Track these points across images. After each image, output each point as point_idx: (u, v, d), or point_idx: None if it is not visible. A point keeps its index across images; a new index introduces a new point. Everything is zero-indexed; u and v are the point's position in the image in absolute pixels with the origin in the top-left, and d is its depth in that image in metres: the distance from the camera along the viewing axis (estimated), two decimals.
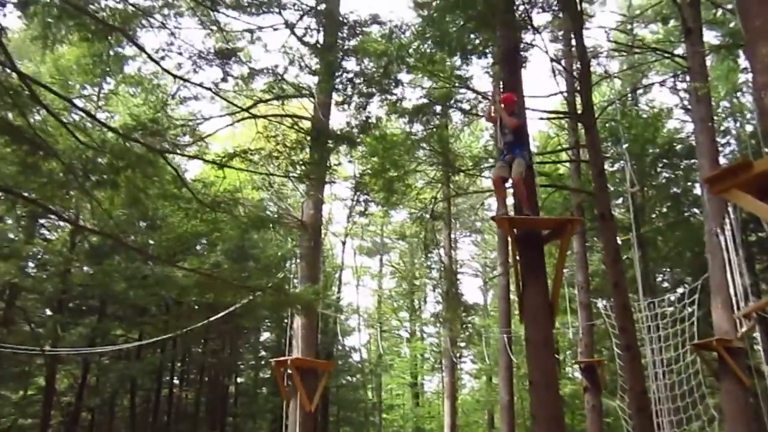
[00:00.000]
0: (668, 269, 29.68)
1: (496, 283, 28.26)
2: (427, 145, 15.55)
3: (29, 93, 11.70)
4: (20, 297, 23.91)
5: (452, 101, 15.22)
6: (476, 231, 40.73)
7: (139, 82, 19.49)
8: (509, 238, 9.24)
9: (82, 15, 12.85)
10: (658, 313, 16.22)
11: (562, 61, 19.40)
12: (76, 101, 19.28)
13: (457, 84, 14.61)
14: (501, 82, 10.88)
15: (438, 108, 15.58)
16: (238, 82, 14.40)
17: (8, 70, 11.30)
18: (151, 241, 23.82)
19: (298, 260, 16.79)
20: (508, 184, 9.19)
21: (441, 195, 18.20)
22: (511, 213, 9.18)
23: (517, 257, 9.15)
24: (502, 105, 9.16)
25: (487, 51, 14.35)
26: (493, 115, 9.47)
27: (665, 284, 29.39)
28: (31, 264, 24.74)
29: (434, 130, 15.55)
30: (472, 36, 13.83)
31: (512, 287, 19.70)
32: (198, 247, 25.08)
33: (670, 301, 17.38)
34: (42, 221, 24.81)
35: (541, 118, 17.13)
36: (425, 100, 15.02)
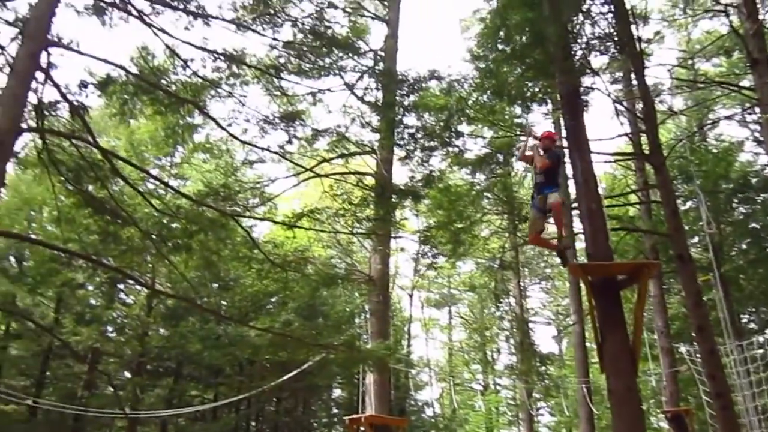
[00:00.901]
0: (753, 309, 28.09)
1: (570, 331, 27.40)
2: (492, 195, 15.49)
3: (110, 166, 12.42)
4: (102, 361, 24.72)
5: (514, 149, 15.18)
6: (546, 278, 39.82)
7: (208, 149, 20.36)
8: (583, 285, 9.00)
9: (155, 90, 13.64)
10: (747, 356, 15.30)
11: (624, 102, 19.13)
12: (151, 171, 20.21)
13: (518, 132, 14.59)
14: (562, 126, 10.82)
15: (500, 157, 15.57)
16: (302, 144, 14.85)
17: (91, 146, 12.05)
18: (224, 302, 24.36)
19: (368, 316, 16.79)
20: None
21: (509, 244, 17.98)
22: (582, 260, 8.99)
23: (593, 304, 8.88)
24: (538, 142, 8.76)
25: (546, 98, 14.36)
26: (527, 153, 8.90)
27: (752, 325, 27.77)
28: (111, 328, 25.64)
29: (498, 179, 15.50)
30: (530, 84, 13.89)
31: (588, 334, 19.05)
32: (268, 306, 25.46)
33: (759, 342, 16.38)
34: (120, 286, 25.79)
35: (608, 161, 16.79)
36: (487, 150, 15.04)
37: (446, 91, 13.91)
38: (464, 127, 14.23)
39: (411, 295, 34.77)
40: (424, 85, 13.93)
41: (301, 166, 14.90)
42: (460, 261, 25.23)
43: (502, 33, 13.85)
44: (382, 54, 16.52)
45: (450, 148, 13.88)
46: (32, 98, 10.55)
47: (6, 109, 8.78)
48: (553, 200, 8.32)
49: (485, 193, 14.94)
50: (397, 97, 14.38)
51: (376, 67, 15.70)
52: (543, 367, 27.19)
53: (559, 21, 12.33)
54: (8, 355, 23.16)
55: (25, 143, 13.37)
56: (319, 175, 15.10)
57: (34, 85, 10.32)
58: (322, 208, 13.07)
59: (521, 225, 18.53)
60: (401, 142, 14.65)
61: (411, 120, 14.14)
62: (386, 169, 15.42)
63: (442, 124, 13.25)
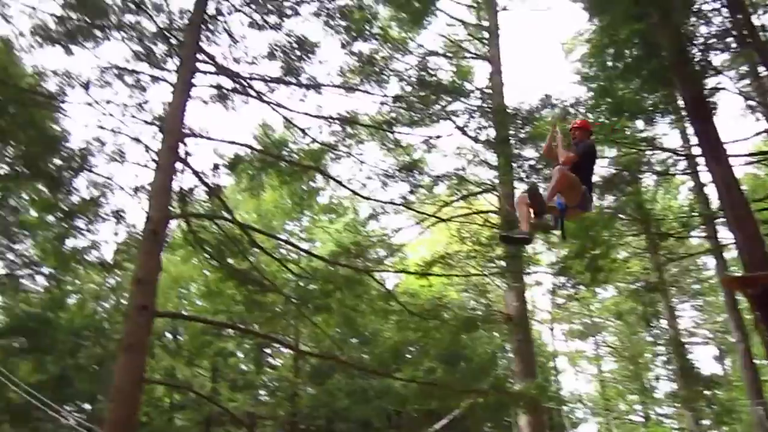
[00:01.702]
0: None
1: (734, 350, 25.19)
2: (624, 215, 14.81)
3: (249, 239, 13.19)
4: (258, 424, 25.70)
5: (642, 165, 14.51)
6: (696, 294, 37.05)
7: (333, 209, 21.10)
8: (743, 298, 8.31)
9: (279, 162, 14.43)
10: None
11: (756, 97, 17.81)
12: (282, 237, 21.16)
13: (643, 146, 13.96)
14: (693, 133, 10.20)
15: (627, 174, 14.91)
16: (423, 191, 15.03)
17: (230, 223, 12.87)
18: (366, 356, 24.70)
19: (512, 355, 16.37)
20: None
21: (652, 264, 17.04)
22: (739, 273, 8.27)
23: (758, 318, 8.16)
24: (574, 131, 6.79)
25: (668, 107, 13.70)
26: (554, 145, 6.75)
27: None
28: (263, 392, 26.69)
29: (628, 198, 14.82)
30: (648, 96, 13.34)
31: (756, 350, 17.42)
32: (409, 356, 25.53)
33: None
34: (267, 350, 26.89)
35: (748, 162, 15.59)
36: (613, 170, 14.48)
37: (561, 118, 13.62)
38: None
39: (552, 329, 33.60)
40: (537, 114, 13.74)
41: (425, 213, 15.04)
42: (601, 288, 24.14)
43: (610, 50, 13.48)
44: (490, 91, 16.53)
45: None
46: (175, 186, 11.50)
47: (156, 201, 9.66)
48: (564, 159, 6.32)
49: (618, 215, 14.28)
50: (511, 131, 14.26)
51: (485, 106, 15.70)
52: (709, 392, 25.11)
53: (671, 26, 11.85)
54: (174, 426, 24.65)
55: (172, 227, 14.40)
56: (443, 220, 15.17)
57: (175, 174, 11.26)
58: (452, 253, 13.07)
59: (662, 243, 17.54)
60: (521, 175, 14.44)
61: (528, 152, 13.94)
62: (510, 205, 15.21)
63: None
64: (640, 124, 13.96)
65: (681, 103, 13.28)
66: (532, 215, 6.31)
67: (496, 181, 15.58)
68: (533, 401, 12.44)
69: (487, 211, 15.69)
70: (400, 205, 14.78)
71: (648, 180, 16.44)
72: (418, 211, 14.81)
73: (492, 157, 15.26)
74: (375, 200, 14.94)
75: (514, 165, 14.39)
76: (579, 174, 6.19)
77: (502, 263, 13.61)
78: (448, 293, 16.26)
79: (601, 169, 14.32)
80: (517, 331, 15.31)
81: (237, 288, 15.84)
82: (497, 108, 14.68)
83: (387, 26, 15.36)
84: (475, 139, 15.25)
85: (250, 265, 14.08)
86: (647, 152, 14.65)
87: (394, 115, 14.47)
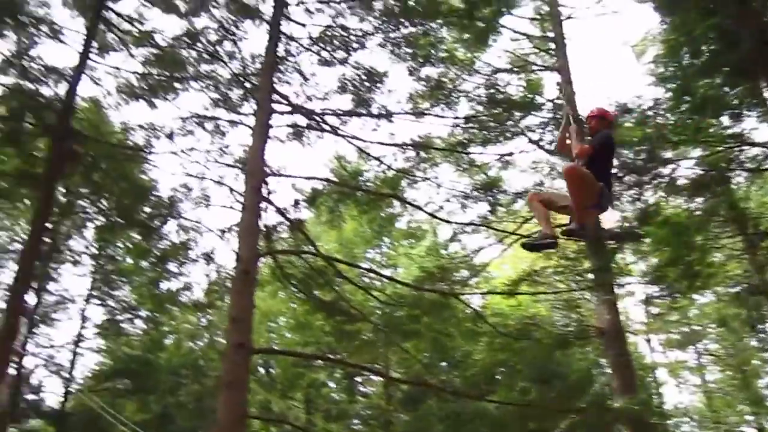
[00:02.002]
0: None
1: None
2: (717, 217, 14.12)
3: (334, 270, 13.40)
4: None
5: (732, 163, 13.83)
6: None
7: (412, 234, 21.16)
8: None
9: (356, 192, 14.65)
10: None
11: None
12: (364, 265, 21.35)
13: (731, 143, 13.33)
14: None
15: (716, 174, 14.25)
16: (502, 209, 14.85)
17: (314, 256, 13.14)
18: (457, 379, 24.40)
19: (609, 370, 15.78)
20: None
21: (752, 266, 16.11)
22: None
23: None
24: (591, 121, 6.01)
25: (754, 100, 13.06)
26: (568, 140, 6.07)
27: None
28: (356, 421, 26.76)
29: (720, 198, 14.14)
30: (731, 91, 12.79)
31: None
32: (501, 377, 25.03)
33: None
34: (358, 379, 27.01)
35: None
36: (700, 171, 13.88)
37: (639, 122, 13.23)
38: (669, 154, 13.31)
39: (648, 340, 32.20)
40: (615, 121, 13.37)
41: (506, 231, 14.84)
42: (698, 294, 23.01)
43: (686, 47, 13.04)
44: (562, 102, 16.24)
45: (660, 179, 13.02)
46: (260, 225, 11.87)
47: (245, 241, 10.00)
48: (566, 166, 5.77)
49: (711, 216, 13.65)
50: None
51: (559, 117, 15.44)
52: None
53: (752, 16, 11.37)
54: None
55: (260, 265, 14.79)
56: (525, 236, 14.91)
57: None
58: (538, 269, 12.83)
59: (761, 243, 16.57)
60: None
61: None
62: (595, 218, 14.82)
63: (644, 156, 12.54)
64: (725, 120, 13.35)
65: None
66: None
67: None
68: (637, 417, 11.92)
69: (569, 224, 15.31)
70: (479, 225, 14.66)
71: (739, 178, 15.66)
72: (498, 230, 14.64)
73: None
74: (454, 222, 14.88)
75: None
76: (595, 169, 5.40)
77: (592, 276, 13.21)
78: (538, 311, 15.91)
79: (688, 171, 13.75)
80: (611, 344, 14.78)
81: (325, 319, 16.13)
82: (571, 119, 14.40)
83: (452, 49, 15.40)
84: (551, 152, 15.00)
85: (337, 295, 14.29)
86: (736, 149, 13.96)
87: (467, 135, 14.45)
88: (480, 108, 14.63)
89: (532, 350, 14.34)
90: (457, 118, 14.38)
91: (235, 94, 14.71)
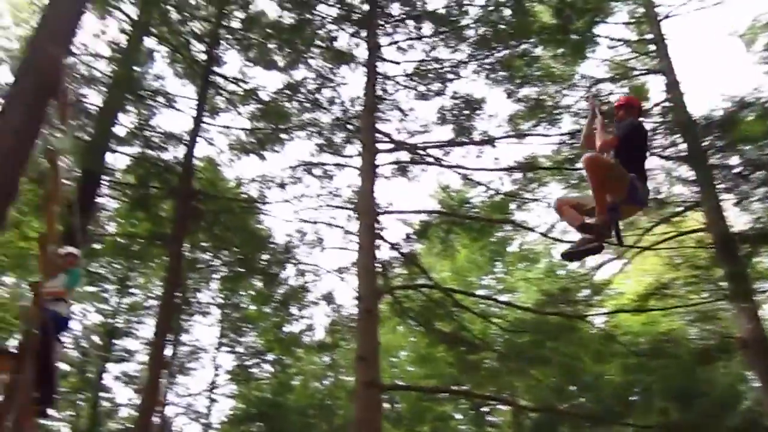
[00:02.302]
0: None
1: None
2: None
3: (452, 300, 13.35)
4: None
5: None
6: None
7: (526, 256, 20.73)
8: None
9: (465, 220, 14.60)
10: None
11: None
12: (480, 292, 21.10)
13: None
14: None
15: None
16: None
17: (431, 288, 13.16)
18: (589, 403, 23.39)
19: (758, 384, 14.58)
20: None
21: None
22: None
23: None
24: (618, 111, 5.38)
25: None
26: (594, 130, 5.31)
27: None
28: None
29: None
30: None
31: None
32: (636, 398, 23.74)
33: None
34: (485, 409, 26.46)
35: None
36: None
37: (761, 115, 12.40)
38: None
39: None
40: (733, 118, 12.61)
41: (626, 245, 14.21)
42: None
43: None
44: (670, 104, 15.53)
45: None
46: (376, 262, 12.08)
47: (364, 280, 10.20)
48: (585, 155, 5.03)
49: None
50: (706, 142, 13.21)
51: (669, 120, 14.76)
52: None
53: None
54: None
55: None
56: (646, 248, 14.23)
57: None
58: (667, 282, 12.16)
59: None
60: (728, 185, 13.22)
61: (732, 159, 12.78)
62: (719, 219, 13.94)
63: None
64: None
65: None
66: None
67: (698, 197, 14.40)
68: None
69: (695, 230, 14.47)
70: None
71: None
72: (619, 245, 14.06)
73: (689, 173, 14.18)
74: (569, 241, 14.43)
75: (717, 176, 13.23)
76: (624, 160, 4.90)
77: (726, 284, 12.35)
78: (671, 326, 15.02)
79: None
80: (757, 356, 13.68)
81: (447, 350, 16.01)
82: (683, 120, 13.71)
83: (548, 66, 15.17)
84: (666, 157, 14.32)
85: (457, 325, 14.19)
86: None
87: (574, 151, 14.08)
88: (584, 121, 14.23)
89: (670, 368, 13.54)
90: (561, 134, 14.09)
91: (339, 137, 15.20)
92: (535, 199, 14.39)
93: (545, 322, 12.97)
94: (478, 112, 14.10)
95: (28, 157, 8.56)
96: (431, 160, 14.18)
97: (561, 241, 14.63)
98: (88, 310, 21.68)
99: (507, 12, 14.52)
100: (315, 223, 14.97)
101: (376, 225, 11.84)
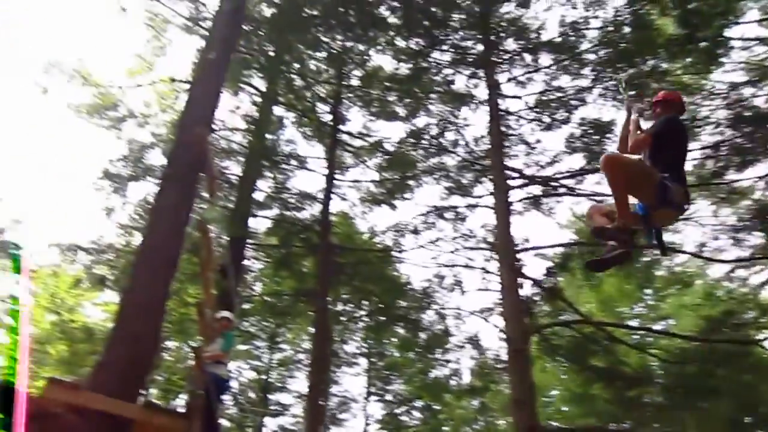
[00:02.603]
0: None
1: None
2: None
3: (604, 333, 12.72)
4: None
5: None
6: None
7: (677, 280, 19.36)
8: None
9: None
10: None
11: None
12: (633, 323, 19.98)
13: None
14: None
15: None
16: None
17: (580, 323, 12.63)
18: None
19: None
20: None
21: None
22: None
23: None
24: (656, 107, 4.83)
25: None
26: (630, 130, 4.78)
27: None
28: None
29: None
30: None
31: None
32: None
33: None
34: None
35: None
36: None
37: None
38: None
39: None
40: None
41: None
42: None
43: None
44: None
45: None
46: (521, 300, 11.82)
47: (510, 321, 9.98)
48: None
49: None
50: None
51: None
52: None
53: None
54: None
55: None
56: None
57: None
58: None
59: None
60: None
61: None
62: None
63: None
64: None
65: None
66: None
67: None
68: None
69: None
70: (759, 257, 13.02)
71: None
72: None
73: None
74: (726, 261, 13.41)
75: None
76: (660, 160, 4.40)
77: None
78: None
79: None
80: None
81: (603, 387, 15.18)
82: None
83: (678, 78, 14.40)
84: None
85: (612, 360, 13.47)
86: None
87: (719, 163, 13.17)
88: (727, 131, 13.31)
89: None
90: (704, 147, 13.22)
91: (467, 178, 15.19)
92: (683, 219, 13.49)
93: (711, 349, 11.99)
94: (608, 135, 13.60)
95: (186, 230, 9.31)
96: (564, 190, 13.79)
97: (714, 260, 13.65)
98: (242, 367, 22.81)
99: (627, 30, 14.04)
100: (453, 266, 14.95)
101: (516, 263, 11.62)
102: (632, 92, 10.62)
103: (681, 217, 5.04)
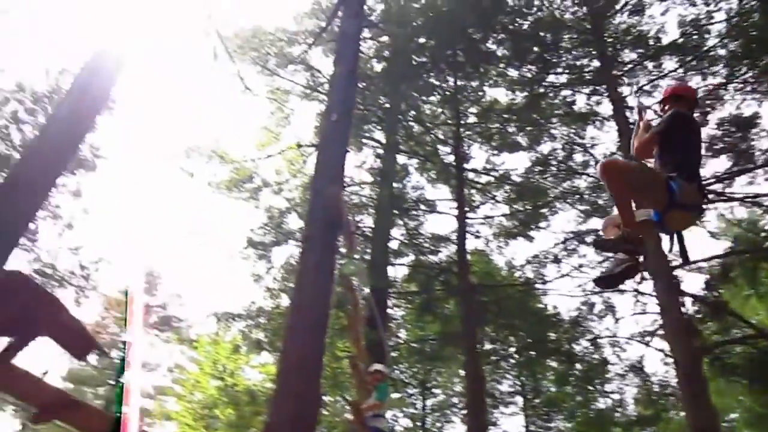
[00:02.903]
0: None
1: None
2: None
3: None
4: None
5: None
6: None
7: None
8: None
9: None
10: None
11: None
12: None
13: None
14: None
15: None
16: None
17: (757, 338, 11.53)
18: None
19: None
20: None
21: None
22: None
23: None
24: (664, 104, 4.40)
25: None
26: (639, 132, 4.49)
27: None
28: None
29: None
30: None
31: None
32: None
33: None
34: None
35: None
36: None
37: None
38: None
39: None
40: None
41: None
42: None
43: None
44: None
45: None
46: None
47: (676, 342, 9.28)
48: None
49: None
50: None
51: None
52: None
53: None
54: None
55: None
56: None
57: None
58: None
59: None
60: None
61: None
62: None
63: None
64: None
65: None
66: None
67: None
68: None
69: None
70: None
71: None
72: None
73: None
74: None
75: None
76: (667, 159, 4.02)
77: None
78: None
79: None
80: None
81: None
82: None
83: None
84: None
85: None
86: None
87: None
88: None
89: None
90: None
91: (603, 198, 14.57)
92: None
93: None
94: (753, 131, 12.59)
95: (330, 286, 9.59)
96: (713, 196, 12.84)
97: None
98: (397, 416, 22.84)
99: (756, 17, 13.07)
100: (602, 292, 14.23)
101: (674, 280, 10.86)
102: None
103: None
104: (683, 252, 4.25)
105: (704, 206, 4.23)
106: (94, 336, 5.73)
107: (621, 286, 14.16)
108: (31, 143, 8.78)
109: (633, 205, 3.96)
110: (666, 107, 4.43)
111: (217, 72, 16.28)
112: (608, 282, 4.46)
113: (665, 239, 4.37)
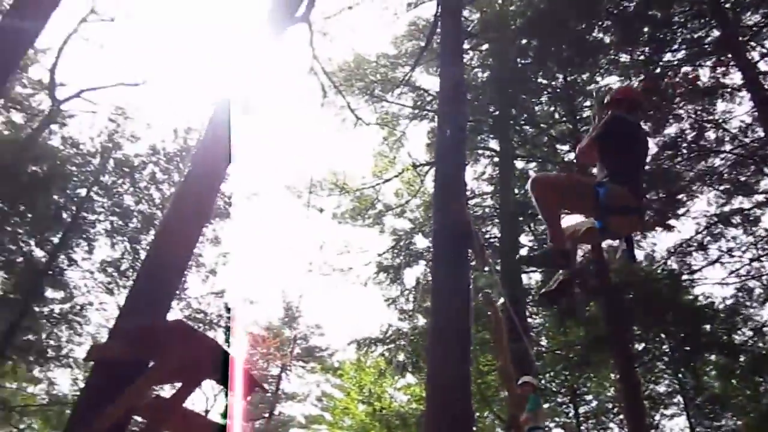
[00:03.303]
0: None
1: None
2: None
3: None
4: None
5: None
6: None
7: None
8: None
9: None
10: None
11: None
12: None
13: None
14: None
15: None
16: None
17: None
18: None
19: None
20: None
21: None
22: None
23: None
24: (607, 110, 4.35)
25: None
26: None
27: None
28: None
29: None
30: None
31: None
32: None
33: None
34: None
35: None
36: None
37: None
38: None
39: None
40: None
41: None
42: None
43: None
44: None
45: None
46: None
47: None
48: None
49: None
50: None
51: None
52: None
53: None
54: None
55: None
56: None
57: None
58: None
59: None
60: None
61: None
62: None
63: None
64: None
65: None
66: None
67: None
68: None
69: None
70: None
71: None
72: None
73: None
74: None
75: None
76: (606, 164, 4.03)
77: None
78: None
79: None
80: None
81: None
82: None
83: None
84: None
85: None
86: None
87: None
88: None
89: None
90: None
91: (745, 174, 13.54)
92: None
93: None
94: None
95: (468, 302, 9.46)
96: None
97: None
98: (549, 426, 22.12)
99: None
100: (759, 276, 13.09)
101: None
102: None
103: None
104: (631, 254, 4.37)
105: (642, 208, 4.17)
106: (253, 375, 6.02)
107: None
108: (173, 199, 9.45)
109: (562, 220, 4.07)
110: (607, 112, 4.43)
111: (327, 107, 16.85)
112: (551, 298, 4.71)
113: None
